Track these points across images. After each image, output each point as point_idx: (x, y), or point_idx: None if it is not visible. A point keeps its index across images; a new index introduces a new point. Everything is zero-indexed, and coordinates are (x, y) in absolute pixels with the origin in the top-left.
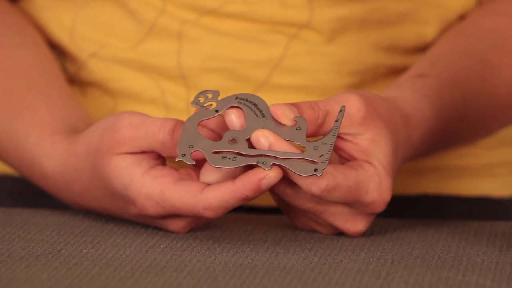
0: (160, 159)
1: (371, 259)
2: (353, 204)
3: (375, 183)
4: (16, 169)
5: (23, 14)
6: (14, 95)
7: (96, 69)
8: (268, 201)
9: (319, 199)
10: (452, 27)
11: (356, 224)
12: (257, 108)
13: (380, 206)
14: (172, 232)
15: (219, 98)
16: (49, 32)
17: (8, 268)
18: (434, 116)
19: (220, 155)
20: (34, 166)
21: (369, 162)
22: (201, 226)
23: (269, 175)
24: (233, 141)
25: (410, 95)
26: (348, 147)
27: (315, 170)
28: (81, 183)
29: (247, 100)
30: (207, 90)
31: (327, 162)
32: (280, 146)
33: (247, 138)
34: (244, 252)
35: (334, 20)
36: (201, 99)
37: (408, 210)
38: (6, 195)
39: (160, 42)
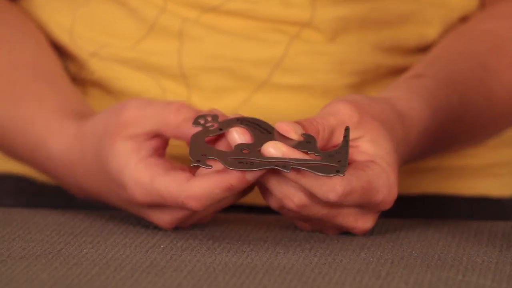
0: (161, 149)
1: (371, 259)
2: (366, 204)
3: (384, 181)
4: (18, 156)
5: (24, 12)
6: (19, 85)
7: (97, 68)
8: None
9: (333, 205)
10: (452, 30)
11: (365, 223)
12: (261, 127)
13: (389, 203)
14: (164, 229)
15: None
16: (49, 31)
17: (8, 268)
18: (429, 116)
19: (236, 161)
20: (39, 148)
21: (373, 162)
22: (191, 224)
23: (249, 175)
24: (245, 151)
25: (406, 95)
26: (350, 153)
27: (338, 171)
28: (84, 166)
29: (249, 121)
30: (206, 114)
31: (346, 164)
32: (294, 155)
33: (258, 149)
34: (244, 252)
35: (335, 19)
36: (201, 121)
37: (408, 210)
38: (6, 195)
39: (161, 41)
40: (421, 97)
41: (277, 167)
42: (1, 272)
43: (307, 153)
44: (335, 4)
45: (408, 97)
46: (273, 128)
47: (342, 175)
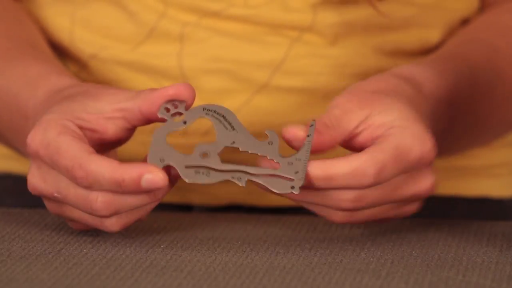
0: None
1: (371, 259)
2: (409, 167)
3: (410, 137)
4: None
5: (26, 11)
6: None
7: (97, 70)
8: (268, 201)
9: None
10: (454, 33)
11: (426, 181)
12: (226, 120)
13: (430, 152)
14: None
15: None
16: (49, 32)
17: (8, 268)
18: (442, 84)
19: (193, 170)
20: (19, 109)
21: (391, 127)
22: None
23: (155, 175)
24: (205, 155)
25: (412, 66)
26: (367, 134)
27: (292, 187)
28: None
29: (215, 112)
30: (175, 100)
31: (303, 178)
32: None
33: (218, 152)
34: (244, 252)
35: (337, 24)
36: (168, 110)
37: None
38: (7, 194)
39: (161, 44)
40: (429, 66)
41: (232, 179)
42: (1, 272)
43: (266, 158)
44: (337, 9)
45: (416, 66)
46: (238, 124)
47: (296, 192)
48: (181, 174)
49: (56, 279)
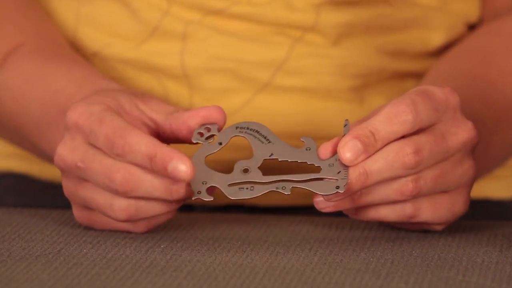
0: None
1: (371, 259)
2: (440, 108)
3: (426, 86)
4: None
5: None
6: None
7: (99, 68)
8: (268, 201)
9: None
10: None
11: (466, 124)
12: (260, 134)
13: (453, 94)
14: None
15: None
16: None
17: (8, 268)
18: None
19: (237, 187)
20: (59, 104)
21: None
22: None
23: (184, 163)
24: (245, 171)
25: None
26: None
27: (337, 187)
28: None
29: (247, 128)
30: (205, 124)
31: (347, 177)
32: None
33: (258, 166)
34: (244, 252)
35: (340, 24)
36: (202, 134)
37: None
38: (8, 193)
39: (164, 42)
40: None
41: (277, 189)
42: (1, 272)
43: (307, 164)
44: (340, 9)
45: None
46: (274, 136)
47: (342, 191)
48: (225, 193)
49: (56, 279)
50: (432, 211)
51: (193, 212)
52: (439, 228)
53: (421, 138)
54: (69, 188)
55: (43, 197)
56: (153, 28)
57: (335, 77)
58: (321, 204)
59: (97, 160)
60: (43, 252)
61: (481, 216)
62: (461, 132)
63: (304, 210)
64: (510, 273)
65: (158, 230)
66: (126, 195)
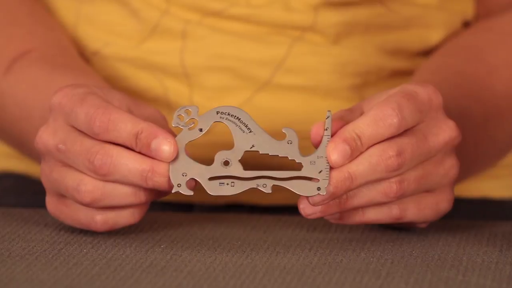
0: None
1: (371, 259)
2: (423, 109)
3: (409, 85)
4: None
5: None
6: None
7: (99, 67)
8: (268, 200)
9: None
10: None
11: (448, 124)
12: (241, 122)
13: (435, 93)
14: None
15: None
16: None
17: (8, 268)
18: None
19: (217, 182)
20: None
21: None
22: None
23: (167, 143)
24: (226, 163)
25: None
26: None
27: (318, 188)
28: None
29: (229, 114)
30: (185, 106)
31: (327, 178)
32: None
33: (239, 158)
34: (244, 252)
35: (338, 24)
36: (182, 117)
37: None
38: (8, 193)
39: (164, 41)
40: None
41: (258, 187)
42: (1, 272)
43: (287, 159)
44: (337, 9)
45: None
46: (254, 124)
47: (323, 193)
48: (205, 188)
49: (56, 279)
50: (417, 211)
51: (193, 212)
52: (423, 226)
53: (403, 140)
54: (45, 172)
55: (43, 197)
56: (153, 26)
57: (334, 75)
58: (307, 210)
59: (78, 141)
60: (43, 252)
61: (481, 216)
62: (442, 133)
63: None
64: (510, 273)
65: (158, 230)
66: (104, 178)
